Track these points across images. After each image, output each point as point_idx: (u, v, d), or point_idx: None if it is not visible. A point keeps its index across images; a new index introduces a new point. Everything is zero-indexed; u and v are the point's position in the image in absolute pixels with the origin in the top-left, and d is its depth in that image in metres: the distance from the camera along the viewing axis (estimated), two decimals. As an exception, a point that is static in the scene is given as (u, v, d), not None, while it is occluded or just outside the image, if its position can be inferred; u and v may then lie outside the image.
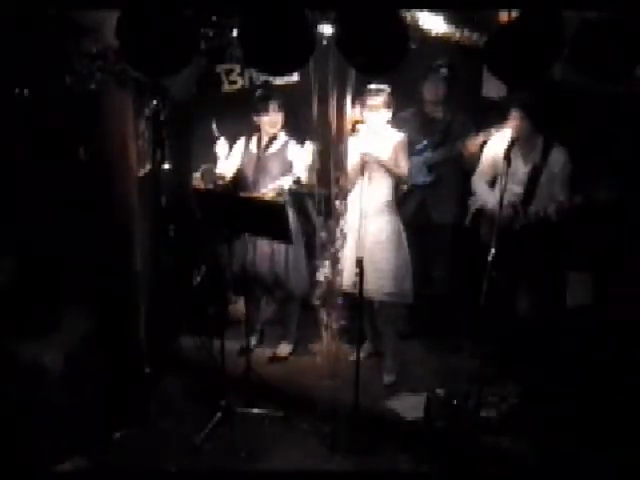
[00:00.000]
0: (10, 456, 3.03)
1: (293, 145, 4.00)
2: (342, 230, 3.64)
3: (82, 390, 3.46)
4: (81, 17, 3.08)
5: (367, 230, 3.65)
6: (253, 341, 4.25)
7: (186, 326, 4.41)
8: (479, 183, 3.73)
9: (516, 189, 3.50)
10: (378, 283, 3.64)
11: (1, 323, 3.23)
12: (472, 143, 3.88)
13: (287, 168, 3.97)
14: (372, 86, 3.64)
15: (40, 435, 3.16)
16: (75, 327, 3.50)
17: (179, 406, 3.77)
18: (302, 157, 3.94)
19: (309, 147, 3.91)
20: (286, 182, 3.95)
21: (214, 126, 3.99)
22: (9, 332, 3.25)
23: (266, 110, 3.92)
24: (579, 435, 3.21)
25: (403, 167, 3.74)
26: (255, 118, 3.99)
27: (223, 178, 4.09)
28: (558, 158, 3.41)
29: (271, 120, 3.95)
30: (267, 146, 4.01)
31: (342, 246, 3.64)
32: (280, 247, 3.97)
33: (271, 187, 3.94)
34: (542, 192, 3.45)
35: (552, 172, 3.42)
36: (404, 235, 3.83)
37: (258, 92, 4.03)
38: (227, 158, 4.05)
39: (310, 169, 3.92)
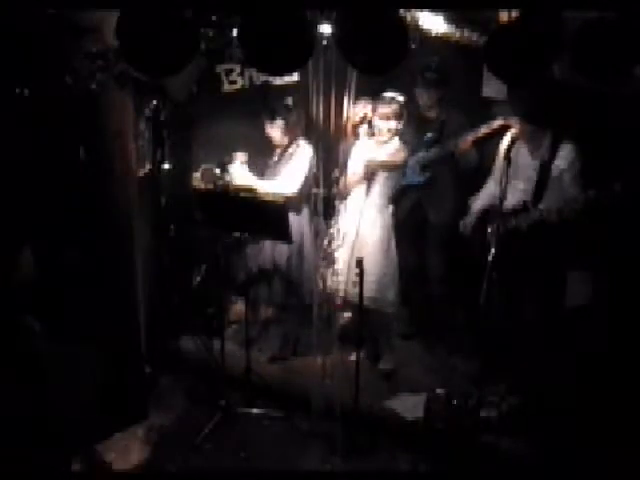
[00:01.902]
0: (10, 456, 3.03)
1: (304, 146, 3.94)
2: (338, 231, 3.65)
3: (82, 390, 3.46)
4: (81, 17, 3.08)
5: (358, 234, 3.66)
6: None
7: (186, 326, 4.41)
8: (490, 180, 3.68)
9: (522, 186, 3.48)
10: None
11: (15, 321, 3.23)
12: (463, 142, 3.89)
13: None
14: (387, 94, 3.67)
15: (40, 435, 3.16)
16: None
17: (179, 406, 3.77)
18: (308, 158, 3.91)
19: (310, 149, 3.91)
20: (277, 187, 3.90)
21: None
22: (24, 331, 3.25)
23: (270, 121, 3.91)
24: (579, 435, 3.21)
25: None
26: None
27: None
28: (566, 154, 3.38)
29: (272, 134, 3.95)
30: (281, 154, 4.00)
31: (338, 247, 3.65)
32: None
33: (263, 187, 3.93)
34: (552, 189, 3.43)
35: (561, 168, 3.39)
36: (394, 243, 3.84)
37: (271, 103, 3.99)
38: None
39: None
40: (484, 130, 3.81)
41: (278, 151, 4.04)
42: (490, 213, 3.58)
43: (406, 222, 4.05)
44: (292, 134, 3.94)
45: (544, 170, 3.42)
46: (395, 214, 3.95)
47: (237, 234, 3.88)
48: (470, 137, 3.87)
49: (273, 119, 3.90)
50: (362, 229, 3.73)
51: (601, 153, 3.47)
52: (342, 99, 3.49)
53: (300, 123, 3.94)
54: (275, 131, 3.94)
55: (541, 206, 3.39)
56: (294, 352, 4.26)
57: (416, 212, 4.20)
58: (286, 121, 3.89)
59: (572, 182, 3.34)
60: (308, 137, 3.95)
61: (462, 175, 4.06)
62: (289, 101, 3.92)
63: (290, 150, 3.97)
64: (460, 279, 4.14)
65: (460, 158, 3.97)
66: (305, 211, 3.98)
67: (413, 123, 4.07)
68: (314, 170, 3.87)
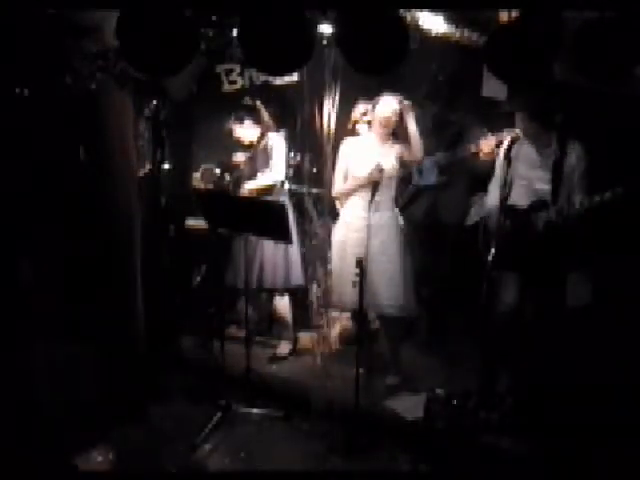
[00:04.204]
0: (10, 456, 3.03)
1: (275, 138, 4.04)
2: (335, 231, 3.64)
3: (82, 390, 3.46)
4: (81, 17, 3.08)
5: (370, 242, 3.59)
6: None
7: (186, 326, 4.41)
8: (492, 181, 3.66)
9: (529, 184, 3.47)
10: (382, 296, 3.64)
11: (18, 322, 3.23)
12: (485, 144, 3.86)
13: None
14: (385, 96, 3.59)
15: (40, 435, 3.16)
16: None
17: (179, 406, 3.77)
18: (280, 148, 4.01)
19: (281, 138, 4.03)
20: (266, 180, 3.99)
21: None
22: (27, 331, 3.26)
23: (240, 123, 4.06)
24: (579, 435, 3.21)
25: (416, 146, 3.63)
26: None
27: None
28: (573, 153, 3.38)
29: (242, 135, 4.09)
30: (255, 150, 4.07)
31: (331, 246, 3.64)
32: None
33: (250, 186, 4.00)
34: (564, 187, 3.41)
35: (571, 166, 3.39)
36: (404, 245, 3.76)
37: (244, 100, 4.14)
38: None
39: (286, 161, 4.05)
40: (507, 135, 3.78)
41: (250, 148, 4.11)
42: (492, 212, 3.58)
43: (421, 223, 4.04)
44: (261, 130, 4.05)
45: (556, 168, 3.41)
46: (409, 215, 3.94)
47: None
48: (493, 140, 3.84)
49: (242, 121, 4.05)
50: (375, 239, 3.60)
51: (603, 153, 3.46)
52: (342, 99, 3.49)
53: (267, 118, 4.05)
54: (245, 131, 4.08)
55: (561, 203, 3.37)
56: (294, 352, 4.27)
57: (431, 213, 4.19)
58: (254, 120, 4.04)
59: (579, 180, 3.35)
60: (276, 130, 4.06)
61: (479, 178, 4.03)
62: (248, 101, 4.09)
63: (263, 144, 4.05)
64: (460, 279, 4.14)
65: (480, 161, 3.94)
66: (290, 210, 4.00)
67: (432, 124, 4.07)
68: (291, 159, 4.11)
